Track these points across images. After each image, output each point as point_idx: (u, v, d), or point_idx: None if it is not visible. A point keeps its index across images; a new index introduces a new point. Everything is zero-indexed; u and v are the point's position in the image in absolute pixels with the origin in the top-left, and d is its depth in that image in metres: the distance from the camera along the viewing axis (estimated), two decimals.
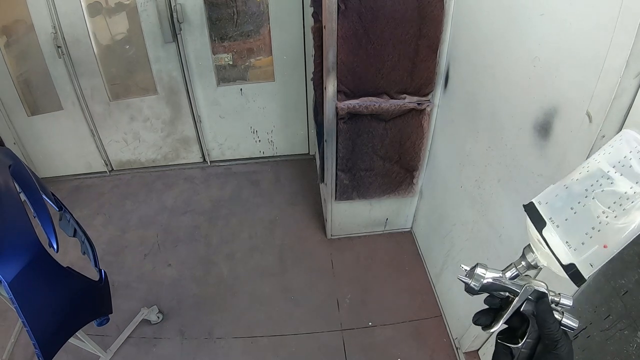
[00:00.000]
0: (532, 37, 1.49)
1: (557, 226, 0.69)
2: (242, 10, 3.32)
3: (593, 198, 0.67)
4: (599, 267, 0.67)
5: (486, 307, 0.80)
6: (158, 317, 2.69)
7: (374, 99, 2.43)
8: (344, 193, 2.85)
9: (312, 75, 3.01)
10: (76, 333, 1.96)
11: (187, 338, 2.62)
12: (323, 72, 2.40)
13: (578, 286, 0.70)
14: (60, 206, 1.97)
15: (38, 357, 1.66)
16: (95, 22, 3.31)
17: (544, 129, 1.46)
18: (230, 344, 2.59)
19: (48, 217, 1.69)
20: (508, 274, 0.77)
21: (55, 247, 1.70)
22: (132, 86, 3.73)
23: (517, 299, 0.75)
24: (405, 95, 2.44)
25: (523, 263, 0.76)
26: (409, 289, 2.83)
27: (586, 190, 0.69)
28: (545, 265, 0.73)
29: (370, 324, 2.64)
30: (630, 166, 0.66)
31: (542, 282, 0.77)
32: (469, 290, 0.78)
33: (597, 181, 0.68)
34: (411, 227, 3.23)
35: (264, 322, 2.69)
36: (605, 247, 0.65)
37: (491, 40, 1.82)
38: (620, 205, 0.64)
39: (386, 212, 3.10)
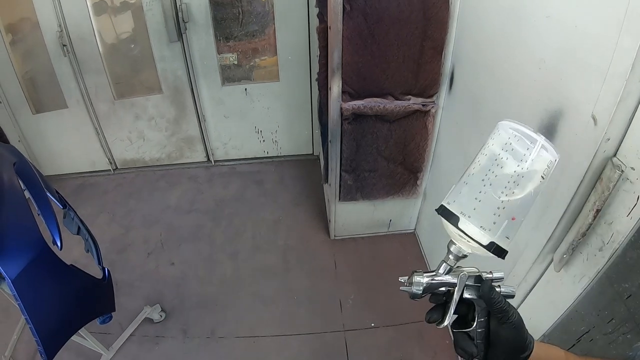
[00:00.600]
0: (538, 39, 1.48)
1: (469, 217, 0.78)
2: (248, 10, 3.32)
3: (490, 185, 0.78)
4: (514, 235, 0.78)
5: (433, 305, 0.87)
6: (161, 316, 2.69)
7: (378, 99, 2.42)
8: (347, 194, 2.85)
9: (316, 76, 3.01)
10: (79, 330, 1.96)
11: (189, 337, 2.62)
12: (328, 72, 2.40)
13: (502, 258, 0.78)
14: (65, 204, 1.97)
15: (41, 354, 1.67)
16: (101, 20, 3.32)
17: (548, 131, 1.46)
18: (232, 343, 2.58)
19: (52, 215, 1.70)
20: (441, 270, 0.84)
21: (59, 244, 1.71)
22: (137, 85, 3.74)
23: (456, 288, 0.82)
24: (409, 96, 2.43)
25: (450, 257, 0.84)
26: None
27: (482, 180, 0.80)
28: (469, 252, 0.82)
29: (372, 325, 2.64)
30: (512, 149, 0.78)
31: (473, 267, 0.85)
32: (413, 296, 0.85)
33: (489, 170, 0.79)
34: (415, 229, 3.23)
35: (266, 322, 2.69)
36: (513, 219, 0.77)
37: (496, 42, 1.82)
38: (514, 182, 0.76)
39: (390, 213, 3.10)
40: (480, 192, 0.79)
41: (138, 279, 2.99)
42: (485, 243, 0.77)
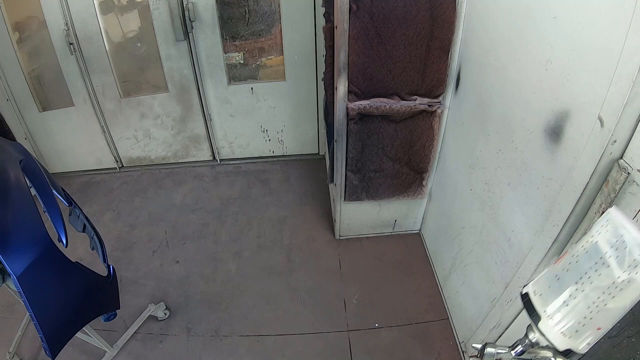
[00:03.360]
0: (545, 40, 1.48)
1: (551, 319, 0.73)
2: (254, 10, 3.32)
3: (583, 291, 0.70)
4: (595, 341, 0.72)
5: None
6: (165, 314, 2.70)
7: (384, 99, 2.42)
8: (353, 194, 2.85)
9: (322, 75, 3.01)
10: (83, 327, 1.97)
11: (193, 335, 2.63)
12: (334, 72, 2.39)
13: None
14: (70, 201, 1.98)
15: (45, 351, 1.67)
16: (107, 19, 3.33)
17: (555, 132, 1.45)
18: (236, 342, 2.59)
19: (58, 212, 1.70)
20: (515, 351, 0.81)
21: (64, 242, 1.71)
22: (143, 84, 3.75)
23: None
24: (416, 96, 2.43)
25: (527, 341, 0.80)
26: (416, 291, 2.82)
27: (576, 283, 0.72)
28: (547, 344, 0.76)
29: (376, 325, 2.64)
30: (623, 247, 0.68)
31: (548, 352, 0.79)
32: None
33: (586, 273, 0.71)
34: (420, 229, 3.22)
35: (270, 321, 2.69)
36: (599, 329, 0.70)
37: (503, 43, 1.81)
38: (610, 294, 0.68)
39: (395, 214, 3.09)
40: (570, 295, 0.72)
41: (143, 277, 3.00)
42: (561, 349, 0.73)
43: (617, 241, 0.69)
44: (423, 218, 3.13)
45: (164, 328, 2.67)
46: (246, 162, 4.12)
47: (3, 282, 1.67)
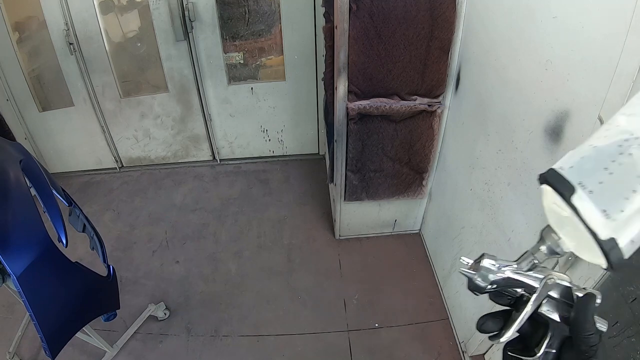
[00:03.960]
0: (545, 40, 1.48)
1: (591, 192, 0.52)
2: (254, 10, 3.32)
3: (630, 154, 0.51)
4: None
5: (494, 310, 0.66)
6: (165, 314, 2.70)
7: (384, 99, 2.42)
8: (353, 194, 2.85)
9: (322, 75, 3.01)
10: (83, 327, 1.97)
11: (193, 335, 2.63)
12: (334, 72, 2.39)
13: (613, 271, 0.55)
14: (70, 201, 1.97)
15: (45, 351, 1.67)
16: (107, 19, 3.33)
17: (555, 132, 1.45)
18: (236, 342, 2.59)
19: (58, 212, 1.70)
20: (523, 265, 0.63)
21: (64, 242, 1.71)
22: (143, 83, 3.75)
23: (534, 295, 0.60)
24: (416, 96, 2.43)
25: (542, 249, 0.61)
26: (416, 291, 2.82)
27: (620, 146, 0.52)
28: (571, 249, 0.58)
29: (376, 325, 2.64)
30: None
31: (563, 274, 0.62)
32: (474, 288, 0.64)
33: (631, 134, 0.52)
34: (420, 229, 3.22)
35: (270, 321, 2.69)
36: None
37: (503, 43, 1.81)
38: None
39: (395, 214, 3.09)
40: (613, 160, 0.52)
41: (143, 277, 3.00)
42: (604, 237, 0.50)
43: None
44: (423, 218, 3.13)
45: (164, 328, 2.67)
46: (246, 162, 4.12)
47: (3, 282, 1.67)
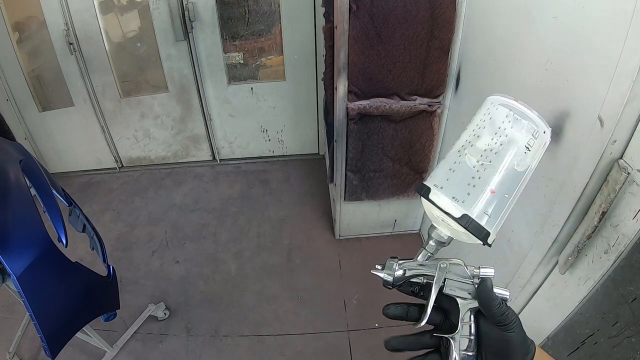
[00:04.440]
0: (545, 40, 1.48)
1: (441, 187, 0.71)
2: (254, 10, 3.32)
3: (465, 154, 0.71)
4: (499, 216, 0.70)
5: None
6: (165, 314, 2.70)
7: (384, 99, 2.42)
8: (353, 194, 2.85)
9: (322, 75, 3.01)
10: (83, 327, 1.97)
11: (193, 335, 2.63)
12: (334, 72, 2.39)
13: (484, 242, 0.70)
14: (70, 201, 1.98)
15: (45, 351, 1.67)
16: (107, 19, 3.33)
17: (555, 132, 1.45)
18: (236, 342, 2.59)
19: (58, 212, 1.70)
20: (419, 258, 0.80)
21: (64, 242, 1.71)
22: (143, 83, 3.75)
23: (435, 278, 0.76)
24: (416, 96, 2.43)
25: (431, 242, 0.79)
26: None
27: (458, 152, 0.73)
28: (449, 235, 0.76)
29: (376, 325, 2.64)
30: (490, 118, 0.74)
31: (457, 259, 0.77)
32: (385, 283, 0.84)
33: (467, 141, 0.73)
34: (420, 229, 3.22)
35: (270, 321, 2.69)
36: (492, 192, 0.69)
37: (503, 43, 1.81)
38: (490, 150, 0.69)
39: (395, 214, 3.09)
40: (454, 162, 0.72)
41: (143, 277, 3.00)
42: (457, 215, 0.68)
43: (488, 109, 0.76)
44: (423, 218, 3.13)
45: (164, 328, 2.67)
46: (246, 162, 4.12)
47: (3, 282, 1.67)
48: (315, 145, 4.10)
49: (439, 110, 2.48)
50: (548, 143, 0.74)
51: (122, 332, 2.57)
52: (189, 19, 3.25)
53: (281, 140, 4.04)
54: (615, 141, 1.14)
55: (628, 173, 1.11)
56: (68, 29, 3.23)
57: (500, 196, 0.70)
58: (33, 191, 1.70)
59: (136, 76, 3.71)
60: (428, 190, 0.72)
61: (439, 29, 2.19)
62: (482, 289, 0.71)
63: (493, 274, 0.74)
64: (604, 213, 1.20)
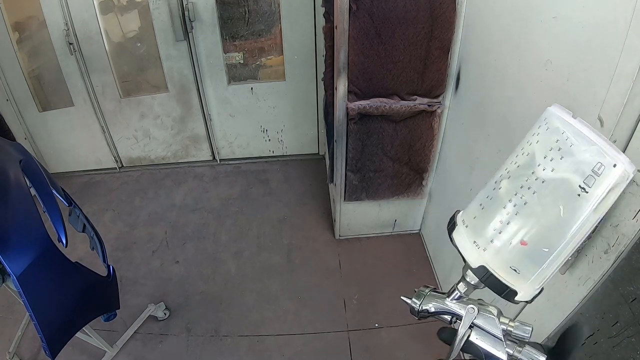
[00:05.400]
0: (544, 39, 1.48)
1: (466, 226, 0.60)
2: (254, 10, 3.32)
3: (500, 188, 0.56)
4: (536, 273, 0.55)
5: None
6: (165, 314, 2.70)
7: (384, 99, 2.42)
8: (353, 194, 2.85)
9: (322, 75, 3.01)
10: (83, 328, 1.97)
11: (193, 335, 2.63)
12: (334, 72, 2.39)
13: (513, 301, 0.57)
14: (70, 201, 1.98)
15: (45, 351, 1.67)
16: (107, 19, 3.33)
17: None
18: (236, 342, 2.59)
19: (58, 212, 1.70)
20: (452, 296, 0.70)
21: (64, 242, 1.71)
22: (143, 83, 3.75)
23: (461, 323, 0.67)
24: (415, 96, 2.43)
25: (462, 283, 0.67)
26: None
27: (495, 182, 0.59)
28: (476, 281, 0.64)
29: (376, 325, 2.63)
30: (538, 142, 0.57)
31: (494, 306, 0.66)
32: (412, 310, 0.77)
33: (506, 169, 0.58)
34: (420, 229, 3.22)
35: (270, 321, 2.69)
36: (523, 244, 0.54)
37: (503, 43, 1.81)
38: (529, 188, 0.53)
39: (395, 214, 3.09)
40: (487, 196, 0.59)
41: (142, 277, 3.00)
42: (474, 265, 0.57)
43: (539, 128, 0.58)
44: (423, 218, 3.13)
45: (164, 328, 2.67)
46: (246, 162, 4.12)
47: (3, 282, 1.67)
48: (315, 145, 4.10)
49: (439, 110, 2.48)
50: (625, 183, 0.54)
51: (122, 332, 2.57)
52: (189, 19, 3.25)
53: (281, 140, 4.04)
54: (615, 141, 1.14)
55: None
56: (68, 29, 3.23)
57: (535, 250, 0.55)
58: (33, 191, 1.70)
59: (136, 76, 3.71)
60: (454, 225, 0.62)
61: (439, 29, 2.19)
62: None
63: (528, 336, 0.64)
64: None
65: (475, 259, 0.56)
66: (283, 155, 4.15)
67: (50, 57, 3.42)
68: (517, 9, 1.66)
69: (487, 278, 0.56)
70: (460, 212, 0.63)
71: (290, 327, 2.65)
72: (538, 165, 0.54)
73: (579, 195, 0.51)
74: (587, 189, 0.51)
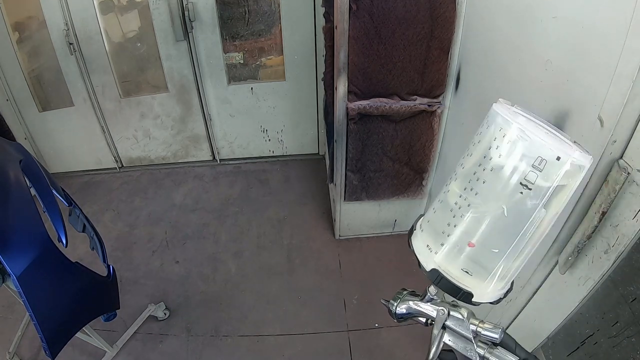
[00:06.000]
0: (544, 40, 1.48)
1: (422, 230, 0.61)
2: (254, 10, 3.32)
3: (448, 191, 0.56)
4: (491, 274, 0.55)
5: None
6: (165, 314, 2.70)
7: (384, 99, 2.42)
8: (353, 194, 2.85)
9: (322, 75, 3.01)
10: (83, 328, 1.97)
11: (193, 335, 2.63)
12: (334, 72, 2.39)
13: (471, 303, 0.57)
14: (70, 201, 1.98)
15: (45, 351, 1.67)
16: (107, 19, 3.33)
17: None
18: (236, 342, 2.59)
19: (58, 212, 1.70)
20: (425, 299, 0.72)
21: (64, 242, 1.71)
22: (143, 83, 3.75)
23: (434, 325, 0.67)
24: (415, 96, 2.43)
25: (432, 286, 0.68)
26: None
27: (446, 184, 0.59)
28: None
29: (376, 325, 2.63)
30: (479, 139, 0.57)
31: (465, 308, 0.65)
32: (389, 312, 0.78)
33: (454, 172, 0.57)
34: None
35: (270, 321, 2.69)
36: (471, 245, 0.54)
37: (503, 43, 1.81)
38: (471, 189, 0.53)
39: (395, 214, 3.09)
40: (439, 199, 0.59)
41: (143, 277, 3.00)
42: (427, 268, 0.59)
43: (485, 122, 0.57)
44: None
45: (164, 328, 2.67)
46: (246, 162, 4.12)
47: (3, 282, 1.67)
48: (315, 145, 4.10)
49: (439, 110, 2.48)
50: (581, 175, 0.52)
51: (122, 332, 2.57)
52: (189, 19, 3.25)
53: (281, 140, 4.04)
54: (615, 141, 1.15)
55: (628, 173, 1.11)
56: (68, 29, 3.23)
57: (484, 251, 0.54)
58: (33, 191, 1.70)
59: (136, 76, 3.71)
60: (412, 230, 0.63)
61: (439, 29, 2.19)
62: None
63: (497, 337, 0.62)
64: (604, 213, 1.20)
65: (427, 262, 0.58)
66: (283, 155, 4.14)
67: (50, 57, 3.42)
68: (517, 9, 1.66)
69: (439, 280, 0.57)
70: (422, 217, 0.64)
71: (290, 327, 2.65)
72: (479, 166, 0.54)
73: (521, 193, 0.50)
74: (529, 185, 0.50)
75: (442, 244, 0.56)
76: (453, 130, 2.50)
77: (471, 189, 0.52)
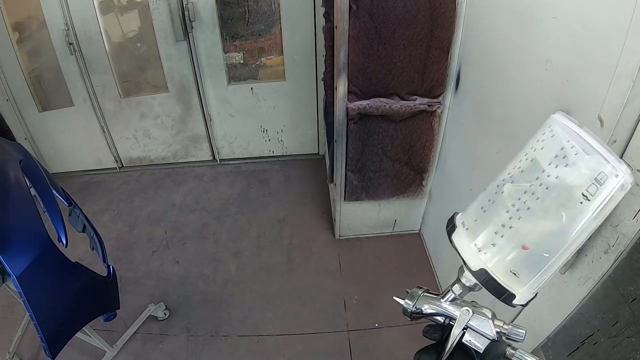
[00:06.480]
0: (544, 40, 1.48)
1: (467, 229, 0.60)
2: (254, 10, 3.32)
3: (502, 192, 0.58)
4: (534, 278, 0.56)
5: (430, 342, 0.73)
6: (165, 314, 2.70)
7: (384, 99, 2.42)
8: (353, 194, 2.85)
9: (322, 75, 3.01)
10: (83, 327, 1.97)
11: (193, 335, 2.63)
12: (334, 72, 2.39)
13: (507, 303, 0.58)
14: (70, 201, 1.98)
15: (45, 351, 1.67)
16: (107, 19, 3.33)
17: None
18: (236, 342, 2.59)
19: (58, 212, 1.70)
20: (446, 297, 0.69)
21: (64, 242, 1.71)
22: (143, 83, 3.75)
23: (455, 324, 0.66)
24: (415, 96, 2.43)
25: (457, 285, 0.67)
26: None
27: (497, 186, 0.60)
28: (475, 281, 0.63)
29: (376, 325, 2.63)
30: (542, 148, 0.58)
31: (488, 308, 0.66)
32: (405, 311, 0.74)
33: (509, 174, 0.59)
34: (420, 229, 3.22)
35: (270, 321, 2.69)
36: (524, 248, 0.55)
37: (503, 42, 1.81)
38: (532, 194, 0.54)
39: (395, 214, 3.09)
40: (489, 199, 0.59)
41: (143, 277, 3.00)
42: (474, 268, 0.58)
43: (544, 134, 0.58)
44: (423, 218, 3.13)
45: (164, 328, 2.67)
46: (246, 162, 4.12)
47: (3, 282, 1.67)
48: (315, 145, 4.10)
49: (439, 110, 2.48)
50: (624, 193, 0.56)
51: (122, 332, 2.57)
52: (189, 19, 3.24)
53: (281, 140, 4.04)
54: (615, 141, 1.15)
55: None
56: (68, 29, 3.23)
57: (535, 255, 0.55)
58: (33, 191, 1.70)
59: (136, 76, 3.71)
60: (454, 228, 0.63)
61: (439, 29, 2.19)
62: (492, 353, 0.62)
63: (522, 337, 0.63)
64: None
65: (475, 262, 0.57)
66: (283, 155, 4.14)
67: (50, 57, 3.42)
68: (517, 9, 1.66)
69: (487, 281, 0.57)
70: (460, 214, 0.64)
71: (290, 327, 2.65)
72: (543, 172, 0.55)
73: (581, 202, 0.53)
74: (589, 197, 0.53)
75: (494, 244, 0.56)
76: (453, 130, 2.49)
77: (532, 193, 0.54)
